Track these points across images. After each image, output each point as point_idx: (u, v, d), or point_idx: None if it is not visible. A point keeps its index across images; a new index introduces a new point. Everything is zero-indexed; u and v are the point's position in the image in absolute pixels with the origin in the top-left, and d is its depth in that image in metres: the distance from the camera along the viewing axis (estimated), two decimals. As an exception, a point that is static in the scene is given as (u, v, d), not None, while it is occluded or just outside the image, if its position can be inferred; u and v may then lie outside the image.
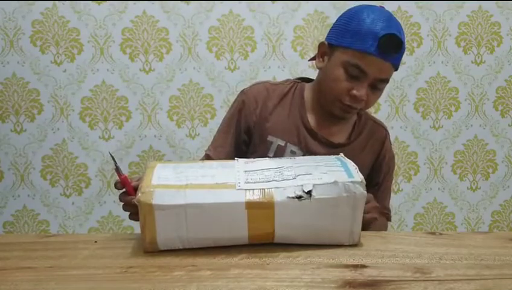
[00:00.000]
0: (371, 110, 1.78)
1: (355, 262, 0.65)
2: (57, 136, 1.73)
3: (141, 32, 1.70)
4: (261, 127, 1.05)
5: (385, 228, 1.11)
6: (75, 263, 0.69)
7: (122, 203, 0.83)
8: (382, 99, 1.77)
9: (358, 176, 0.69)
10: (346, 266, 0.64)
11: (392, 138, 1.82)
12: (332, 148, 1.04)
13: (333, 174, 0.70)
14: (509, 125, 1.83)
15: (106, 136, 1.75)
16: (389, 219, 1.12)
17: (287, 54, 1.74)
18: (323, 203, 0.68)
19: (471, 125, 1.82)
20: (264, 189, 0.69)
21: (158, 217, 0.68)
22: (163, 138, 1.74)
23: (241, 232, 0.69)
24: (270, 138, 1.04)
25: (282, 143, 1.04)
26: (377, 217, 0.93)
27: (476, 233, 0.94)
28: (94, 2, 1.68)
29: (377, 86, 0.97)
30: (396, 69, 0.99)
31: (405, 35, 1.06)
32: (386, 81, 0.98)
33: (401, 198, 1.85)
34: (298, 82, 1.10)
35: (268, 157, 1.03)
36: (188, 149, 1.77)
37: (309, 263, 0.65)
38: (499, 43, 1.78)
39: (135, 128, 1.75)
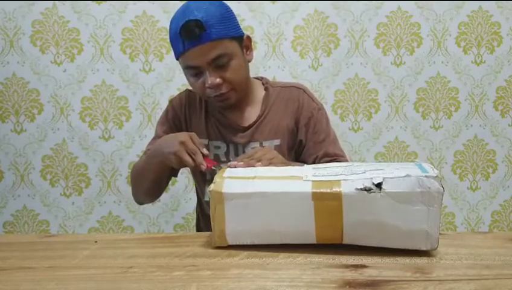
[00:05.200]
0: (372, 110, 1.78)
1: (355, 262, 0.65)
2: (57, 136, 1.73)
3: (141, 32, 1.70)
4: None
5: None
6: (75, 263, 0.69)
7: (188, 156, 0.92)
8: (382, 99, 1.78)
9: (433, 171, 0.65)
10: (346, 266, 0.64)
11: (392, 138, 1.84)
12: (246, 130, 1.10)
13: (406, 169, 0.67)
14: (509, 125, 1.83)
15: (106, 136, 1.75)
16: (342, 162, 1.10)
17: (287, 54, 1.74)
18: (394, 197, 0.64)
19: (471, 125, 1.82)
20: (331, 181, 0.67)
21: (227, 206, 0.70)
22: (163, 138, 1.74)
23: (308, 227, 0.68)
24: None
25: (205, 141, 1.11)
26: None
27: (476, 233, 0.94)
28: (94, 2, 1.68)
29: (219, 64, 0.99)
30: (232, 37, 0.99)
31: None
32: (224, 55, 0.98)
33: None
34: None
35: None
36: (188, 149, 1.77)
37: (309, 263, 0.65)
38: (499, 43, 1.78)
39: (135, 128, 1.75)
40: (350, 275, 0.61)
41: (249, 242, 0.71)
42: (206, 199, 1.15)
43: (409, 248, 0.67)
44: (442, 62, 1.78)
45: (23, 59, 1.69)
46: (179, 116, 1.15)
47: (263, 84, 1.17)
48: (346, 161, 1.09)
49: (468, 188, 1.85)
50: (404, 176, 0.64)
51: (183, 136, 0.94)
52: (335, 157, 1.08)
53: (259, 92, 1.14)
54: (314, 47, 1.74)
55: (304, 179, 0.69)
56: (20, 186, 1.75)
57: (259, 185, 0.70)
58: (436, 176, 0.64)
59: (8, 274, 0.65)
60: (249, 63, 1.10)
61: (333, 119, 1.77)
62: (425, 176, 0.64)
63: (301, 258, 0.67)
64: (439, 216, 0.65)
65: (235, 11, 1.05)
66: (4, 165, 1.74)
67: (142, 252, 0.73)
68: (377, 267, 0.63)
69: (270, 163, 0.86)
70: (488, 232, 1.24)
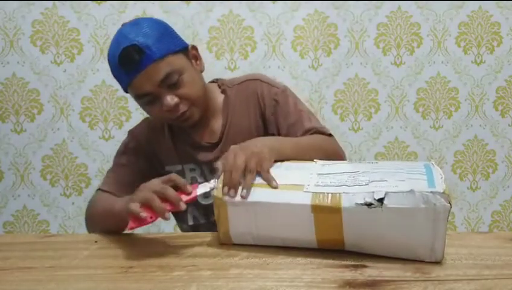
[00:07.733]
0: (372, 110, 1.78)
1: (355, 262, 0.65)
2: (57, 136, 1.73)
3: (141, 32, 1.70)
4: (157, 163, 1.06)
5: (330, 143, 0.98)
6: (75, 263, 0.69)
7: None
8: (382, 99, 1.78)
9: (441, 186, 0.62)
10: (346, 266, 0.64)
11: (392, 138, 1.84)
12: (216, 146, 1.02)
13: (411, 182, 0.64)
14: (509, 125, 1.83)
15: (106, 136, 1.75)
16: (324, 133, 1.00)
17: (287, 54, 1.74)
18: (396, 213, 0.62)
19: (471, 125, 1.82)
20: (331, 193, 0.66)
21: (230, 212, 0.71)
22: (163, 138, 1.74)
23: (309, 235, 0.68)
24: (167, 168, 1.05)
25: (179, 167, 1.04)
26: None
27: (476, 233, 0.95)
28: (94, 2, 1.68)
29: (170, 82, 0.91)
30: (175, 51, 0.92)
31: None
32: (172, 73, 0.90)
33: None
34: None
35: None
36: (188, 149, 1.77)
37: (309, 263, 0.65)
38: (499, 43, 1.78)
39: (135, 128, 1.75)
40: (350, 275, 0.61)
41: (252, 243, 0.72)
42: (191, 223, 1.07)
43: (412, 259, 0.65)
44: (442, 62, 1.78)
45: (23, 59, 1.69)
46: (144, 147, 1.07)
47: (219, 86, 1.08)
48: (329, 132, 1.01)
49: (468, 188, 1.85)
50: (408, 191, 0.61)
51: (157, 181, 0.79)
52: (314, 131, 0.99)
53: (218, 98, 1.06)
54: (314, 47, 1.74)
55: (304, 189, 0.68)
56: (20, 186, 1.75)
57: (260, 194, 0.70)
58: (443, 192, 0.61)
59: (8, 274, 0.65)
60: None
61: (333, 119, 1.77)
62: (431, 192, 0.61)
63: (301, 258, 0.67)
64: (445, 230, 0.63)
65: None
66: (4, 165, 1.74)
67: (142, 252, 0.73)
68: (377, 267, 0.63)
69: (267, 171, 0.75)
70: (488, 232, 1.24)
